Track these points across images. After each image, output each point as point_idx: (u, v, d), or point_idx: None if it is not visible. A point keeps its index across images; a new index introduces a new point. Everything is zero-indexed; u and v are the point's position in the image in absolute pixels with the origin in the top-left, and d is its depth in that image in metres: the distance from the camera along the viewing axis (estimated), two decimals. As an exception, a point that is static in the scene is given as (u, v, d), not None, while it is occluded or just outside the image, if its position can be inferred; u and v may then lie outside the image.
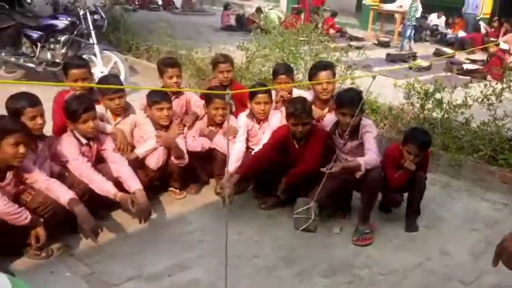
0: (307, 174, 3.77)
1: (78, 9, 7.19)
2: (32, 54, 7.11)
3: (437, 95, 5.36)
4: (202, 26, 14.65)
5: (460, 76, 9.28)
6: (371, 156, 3.56)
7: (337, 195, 3.90)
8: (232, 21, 15.19)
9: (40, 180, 3.27)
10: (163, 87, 4.49)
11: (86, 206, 3.32)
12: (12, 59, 7.06)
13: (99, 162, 3.75)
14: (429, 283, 3.19)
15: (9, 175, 3.14)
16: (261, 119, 4.27)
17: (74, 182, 3.47)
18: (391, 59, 11.05)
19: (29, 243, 3.24)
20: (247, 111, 4.34)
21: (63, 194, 3.28)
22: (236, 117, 4.44)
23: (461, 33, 14.13)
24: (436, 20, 15.80)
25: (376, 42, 13.66)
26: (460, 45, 12.89)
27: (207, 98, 4.28)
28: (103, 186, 3.50)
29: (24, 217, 3.07)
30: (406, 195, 3.98)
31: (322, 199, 3.75)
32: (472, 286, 3.14)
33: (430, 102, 5.40)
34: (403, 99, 5.70)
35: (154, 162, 4.00)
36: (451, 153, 4.92)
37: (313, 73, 4.33)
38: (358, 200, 4.10)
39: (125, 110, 4.08)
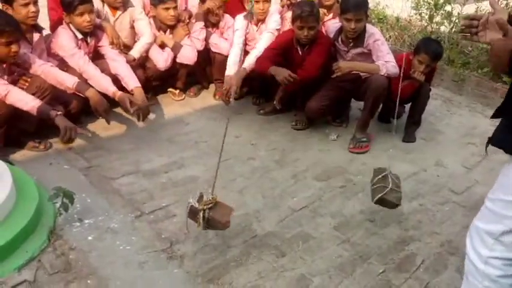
0: (306, 83, 3.65)
1: None
2: None
3: (448, 7, 5.16)
4: None
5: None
6: (391, 65, 3.51)
7: (335, 104, 3.86)
8: None
9: (36, 64, 3.20)
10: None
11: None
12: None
13: (96, 59, 3.68)
14: (421, 191, 3.23)
15: (4, 66, 3.07)
16: (259, 20, 4.11)
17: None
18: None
19: (30, 134, 3.25)
20: (245, 12, 4.16)
21: (67, 78, 3.24)
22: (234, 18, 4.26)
23: None
24: None
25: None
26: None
27: None
28: (102, 83, 3.44)
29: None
30: (407, 107, 3.96)
31: (319, 109, 3.74)
32: (462, 195, 3.19)
33: (439, 14, 5.21)
34: (412, 10, 5.50)
35: (163, 62, 3.95)
36: (455, 68, 4.83)
37: None
38: (356, 111, 4.10)
39: (124, 3, 3.94)
